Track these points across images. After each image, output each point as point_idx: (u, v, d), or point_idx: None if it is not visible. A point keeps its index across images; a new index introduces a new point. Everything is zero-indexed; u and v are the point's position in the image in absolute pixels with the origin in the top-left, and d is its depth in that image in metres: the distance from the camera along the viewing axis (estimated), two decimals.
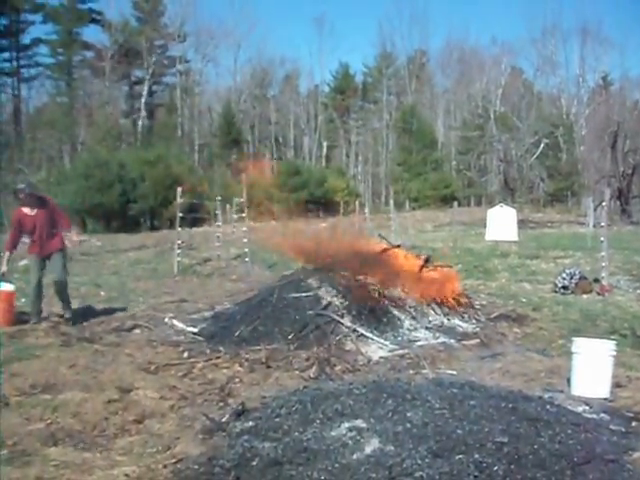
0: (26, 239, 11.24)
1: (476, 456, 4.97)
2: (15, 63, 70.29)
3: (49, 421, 6.42)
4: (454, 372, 8.46)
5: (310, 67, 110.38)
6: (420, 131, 69.15)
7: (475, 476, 4.75)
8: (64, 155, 64.46)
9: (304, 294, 10.59)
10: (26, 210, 10.84)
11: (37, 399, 7.07)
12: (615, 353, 7.71)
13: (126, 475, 5.25)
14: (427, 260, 12.22)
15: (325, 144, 78.96)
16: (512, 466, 4.87)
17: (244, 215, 22.18)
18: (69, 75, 69.93)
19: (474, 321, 11.48)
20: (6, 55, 69.45)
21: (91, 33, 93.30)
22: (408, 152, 68.72)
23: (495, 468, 4.83)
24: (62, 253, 11.22)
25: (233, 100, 74.61)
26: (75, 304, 12.65)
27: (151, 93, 73.52)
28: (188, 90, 73.63)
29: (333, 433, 5.45)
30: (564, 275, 15.20)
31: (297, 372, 8.40)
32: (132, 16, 72.52)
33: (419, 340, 10.09)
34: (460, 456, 4.98)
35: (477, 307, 12.43)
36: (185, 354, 9.28)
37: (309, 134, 79.31)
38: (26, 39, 70.26)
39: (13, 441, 5.93)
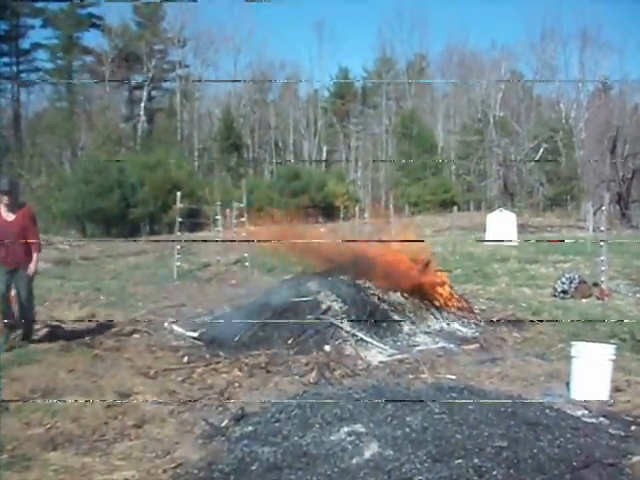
0: None
1: (475, 461, 4.98)
2: (15, 68, 70.34)
3: (49, 426, 6.43)
4: (453, 377, 8.47)
5: (310, 71, 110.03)
6: (420, 136, 69.11)
7: None
8: (64, 160, 64.44)
9: (303, 299, 10.60)
10: (4, 214, 9.54)
11: (36, 404, 7.07)
12: (614, 357, 7.71)
13: None
14: (427, 264, 12.21)
15: (325, 149, 78.94)
16: (511, 470, 4.88)
17: (244, 220, 22.20)
18: (69, 80, 69.90)
19: (473, 326, 11.49)
20: (6, 60, 69.54)
21: (91, 38, 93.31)
22: (407, 157, 68.65)
23: (494, 473, 4.84)
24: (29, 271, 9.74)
25: (233, 105, 74.62)
26: (75, 308, 12.66)
27: (151, 98, 73.53)
28: (188, 95, 73.61)
29: (332, 438, 5.46)
30: (563, 279, 15.19)
31: (296, 377, 8.41)
32: (132, 21, 72.51)
33: (418, 345, 10.10)
34: (459, 461, 4.99)
35: (476, 312, 12.44)
36: (185, 359, 9.29)
37: (309, 139, 79.27)
38: (26, 44, 70.33)
39: (13, 446, 5.94)
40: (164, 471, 5.41)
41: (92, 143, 62.23)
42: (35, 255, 9.89)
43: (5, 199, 9.59)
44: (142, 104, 70.61)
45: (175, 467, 5.47)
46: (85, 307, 13.16)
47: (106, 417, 6.71)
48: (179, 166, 52.67)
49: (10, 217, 9.57)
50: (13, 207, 9.62)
